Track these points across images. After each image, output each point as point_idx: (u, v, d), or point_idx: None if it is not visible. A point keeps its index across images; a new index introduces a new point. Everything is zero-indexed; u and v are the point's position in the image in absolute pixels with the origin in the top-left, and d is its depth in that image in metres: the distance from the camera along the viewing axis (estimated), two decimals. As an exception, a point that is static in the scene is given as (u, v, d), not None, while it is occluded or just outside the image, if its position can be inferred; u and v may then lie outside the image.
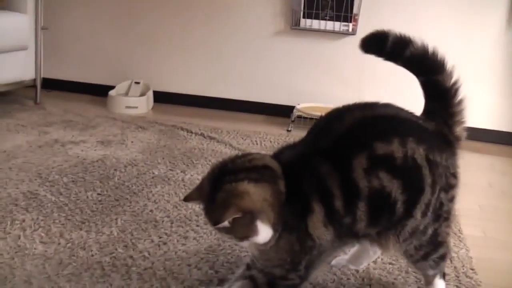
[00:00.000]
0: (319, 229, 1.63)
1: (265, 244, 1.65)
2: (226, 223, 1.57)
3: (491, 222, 2.88)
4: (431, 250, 1.81)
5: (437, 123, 1.80)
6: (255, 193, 1.58)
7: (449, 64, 1.83)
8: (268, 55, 4.99)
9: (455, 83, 1.83)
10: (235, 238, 1.66)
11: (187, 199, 1.76)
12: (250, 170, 1.63)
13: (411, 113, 1.80)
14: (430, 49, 1.82)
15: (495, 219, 2.95)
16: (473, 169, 3.91)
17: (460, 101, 1.84)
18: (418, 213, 1.69)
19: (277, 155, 1.75)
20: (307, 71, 4.91)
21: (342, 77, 4.83)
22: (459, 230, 2.62)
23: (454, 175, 1.79)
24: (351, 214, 1.64)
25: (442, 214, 1.77)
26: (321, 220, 1.63)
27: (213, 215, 1.58)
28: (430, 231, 1.76)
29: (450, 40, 4.56)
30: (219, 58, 5.09)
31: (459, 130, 1.83)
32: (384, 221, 1.70)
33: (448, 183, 1.75)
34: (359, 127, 1.70)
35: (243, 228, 1.60)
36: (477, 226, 2.78)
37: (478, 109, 4.62)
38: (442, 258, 1.86)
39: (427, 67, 1.84)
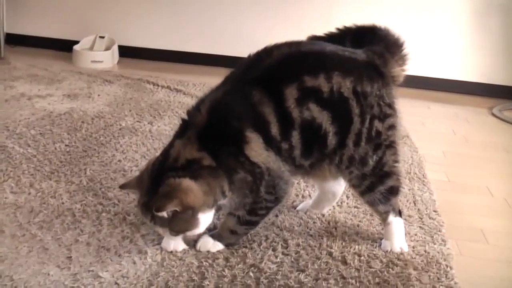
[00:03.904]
0: (262, 155, 1.71)
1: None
2: (165, 214, 1.66)
3: (454, 167, 2.94)
4: (377, 181, 1.87)
5: (369, 55, 1.86)
6: (198, 190, 1.67)
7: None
8: (233, 8, 4.96)
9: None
10: (170, 232, 1.74)
11: (124, 186, 1.88)
12: (186, 166, 1.70)
13: (338, 47, 1.86)
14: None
15: (458, 165, 3.02)
16: (438, 118, 3.98)
17: (402, 47, 1.95)
18: (350, 143, 1.78)
19: (200, 103, 1.79)
20: (273, 23, 4.89)
21: (308, 29, 4.81)
22: (423, 175, 2.68)
23: (390, 106, 1.85)
24: (287, 141, 1.72)
25: (382, 143, 1.84)
26: (261, 147, 1.70)
27: (155, 203, 1.64)
28: (372, 161, 1.83)
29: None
30: (184, 12, 5.05)
31: (396, 71, 1.90)
32: (317, 152, 1.78)
33: (382, 112, 1.82)
34: (287, 61, 1.77)
35: (182, 222, 1.70)
36: (441, 171, 2.84)
37: (444, 60, 4.67)
38: (391, 192, 1.91)
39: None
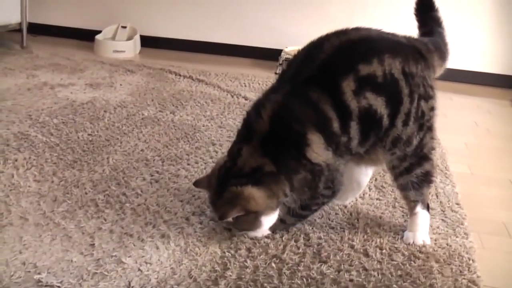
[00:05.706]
0: (322, 155, 1.74)
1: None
2: (230, 219, 1.76)
3: (477, 159, 2.93)
4: (416, 163, 1.88)
5: (410, 39, 1.92)
6: (260, 196, 1.74)
7: None
8: (255, -2, 4.97)
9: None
10: (235, 229, 1.88)
11: (196, 184, 1.96)
12: (249, 174, 1.76)
13: (381, 31, 1.89)
14: None
15: (480, 156, 3.00)
16: (460, 109, 3.96)
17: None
18: (399, 123, 1.79)
19: (260, 106, 1.81)
20: (295, 13, 4.89)
21: (330, 19, 4.80)
22: (445, 167, 2.67)
23: (432, 87, 1.88)
24: (346, 134, 1.74)
25: (425, 123, 1.85)
26: (322, 147, 1.72)
27: (219, 210, 1.76)
28: (415, 141, 1.84)
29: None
30: (206, 2, 5.05)
31: (436, 61, 1.96)
32: (373, 136, 1.80)
33: (426, 93, 1.84)
34: (340, 53, 1.78)
35: (246, 224, 1.81)
36: (463, 164, 2.82)
37: (466, 52, 4.63)
38: (426, 177, 1.91)
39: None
